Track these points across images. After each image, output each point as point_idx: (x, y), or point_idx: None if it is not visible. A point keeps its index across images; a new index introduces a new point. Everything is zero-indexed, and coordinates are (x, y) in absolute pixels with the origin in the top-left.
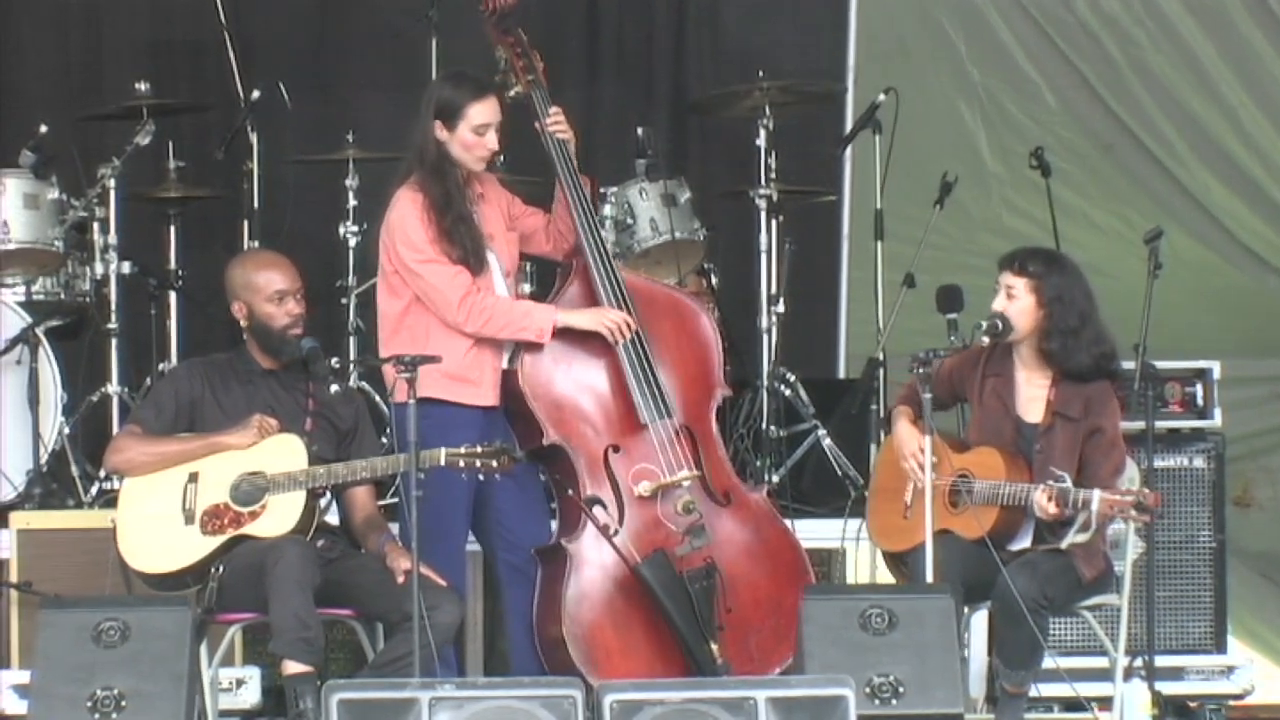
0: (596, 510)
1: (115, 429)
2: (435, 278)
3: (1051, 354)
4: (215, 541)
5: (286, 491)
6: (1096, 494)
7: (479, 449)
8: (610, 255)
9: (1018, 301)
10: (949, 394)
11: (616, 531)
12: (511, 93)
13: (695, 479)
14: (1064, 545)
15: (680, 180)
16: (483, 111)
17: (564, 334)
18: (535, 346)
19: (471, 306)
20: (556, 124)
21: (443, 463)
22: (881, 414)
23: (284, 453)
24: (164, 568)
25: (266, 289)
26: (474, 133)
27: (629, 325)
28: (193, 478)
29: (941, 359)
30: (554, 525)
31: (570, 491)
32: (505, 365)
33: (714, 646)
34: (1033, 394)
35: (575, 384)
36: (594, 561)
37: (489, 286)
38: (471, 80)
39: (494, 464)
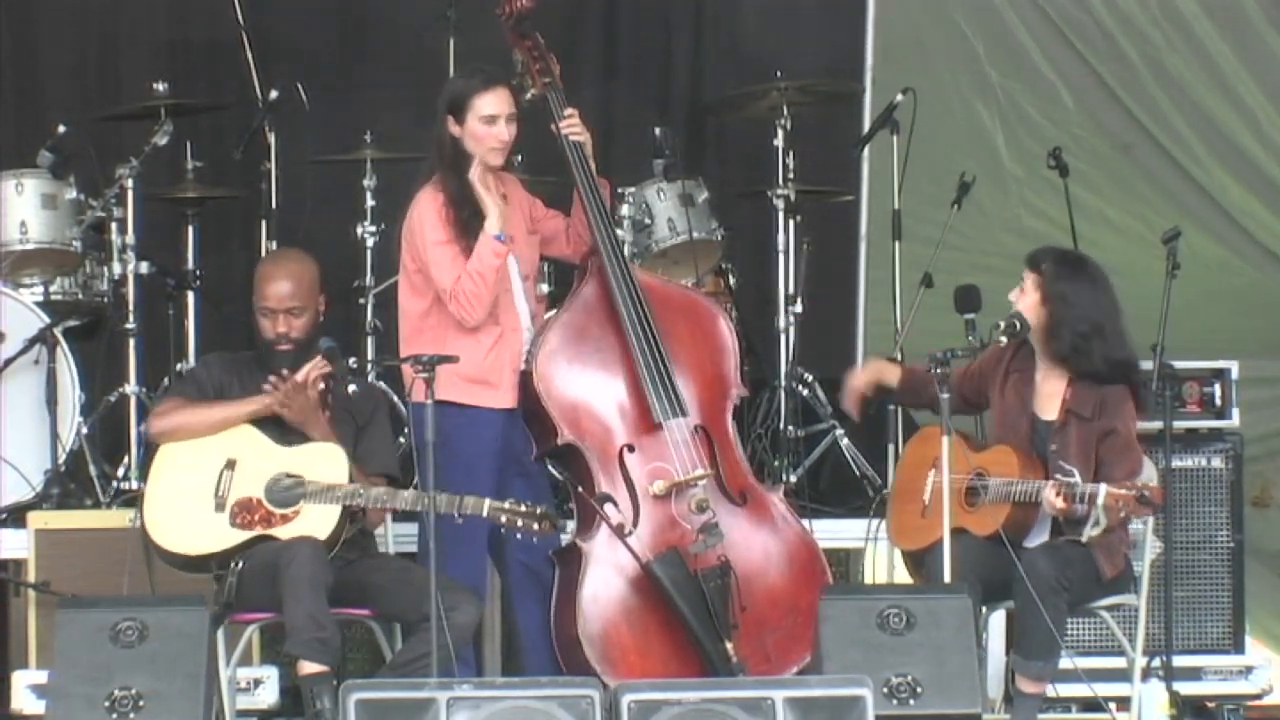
0: (609, 509)
1: (133, 429)
2: (439, 260)
3: (1059, 354)
4: (241, 535)
5: (322, 503)
6: (1103, 488)
7: (522, 507)
8: (625, 256)
9: (1026, 297)
10: (974, 393)
11: (630, 531)
12: (528, 95)
13: (709, 478)
14: (1084, 540)
15: (698, 180)
16: (490, 102)
17: (579, 336)
18: (549, 348)
19: (457, 290)
20: (571, 126)
21: (485, 514)
22: (899, 414)
23: (326, 462)
24: (186, 549)
25: (261, 301)
26: (482, 123)
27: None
28: (230, 464)
29: (959, 358)
30: (571, 525)
31: (580, 490)
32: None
33: (729, 645)
34: (1050, 391)
35: (589, 384)
36: (609, 561)
37: (504, 291)
38: (481, 72)
39: (535, 526)
